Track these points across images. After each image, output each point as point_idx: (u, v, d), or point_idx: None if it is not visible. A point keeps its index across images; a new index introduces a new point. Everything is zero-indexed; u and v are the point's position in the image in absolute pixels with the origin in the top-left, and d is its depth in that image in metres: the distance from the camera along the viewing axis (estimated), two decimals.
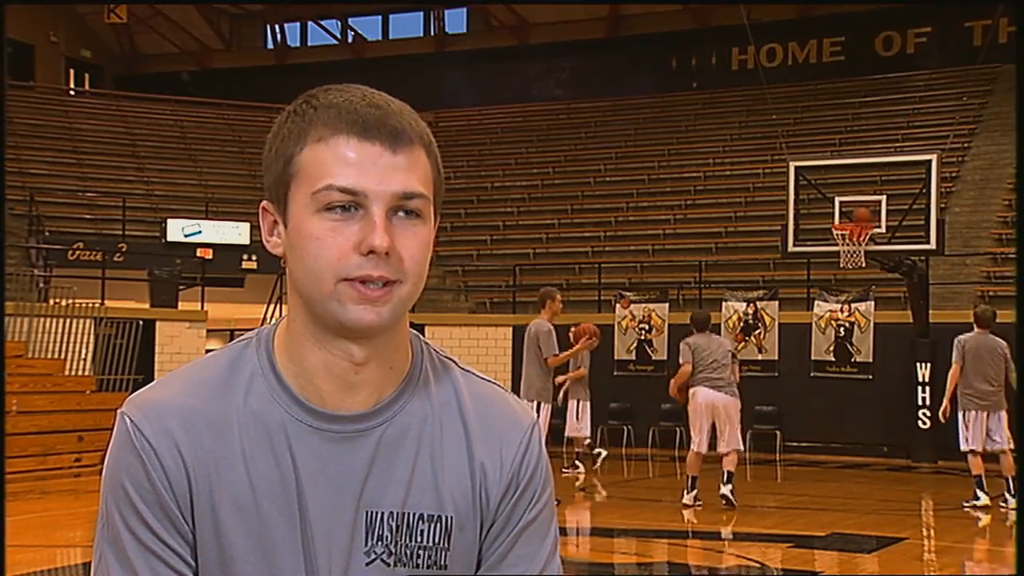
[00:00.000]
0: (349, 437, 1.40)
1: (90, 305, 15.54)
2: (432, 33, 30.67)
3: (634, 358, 17.89)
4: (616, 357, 17.76)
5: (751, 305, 17.30)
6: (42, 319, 14.89)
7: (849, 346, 16.61)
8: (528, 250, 21.92)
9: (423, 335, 1.50)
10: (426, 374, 1.46)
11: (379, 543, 1.40)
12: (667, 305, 17.98)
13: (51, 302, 15.60)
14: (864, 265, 14.66)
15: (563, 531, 10.01)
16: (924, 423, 15.55)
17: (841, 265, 14.74)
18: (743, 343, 16.84)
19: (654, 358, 17.70)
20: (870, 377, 16.39)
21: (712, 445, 11.21)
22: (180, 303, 17.55)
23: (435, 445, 1.43)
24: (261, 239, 1.43)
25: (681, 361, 11.22)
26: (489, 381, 1.51)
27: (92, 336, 15.24)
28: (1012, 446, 11.17)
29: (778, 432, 16.65)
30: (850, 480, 14.40)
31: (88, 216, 21.44)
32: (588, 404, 14.15)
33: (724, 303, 17.39)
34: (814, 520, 10.79)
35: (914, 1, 25.06)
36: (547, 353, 10.69)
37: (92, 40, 30.97)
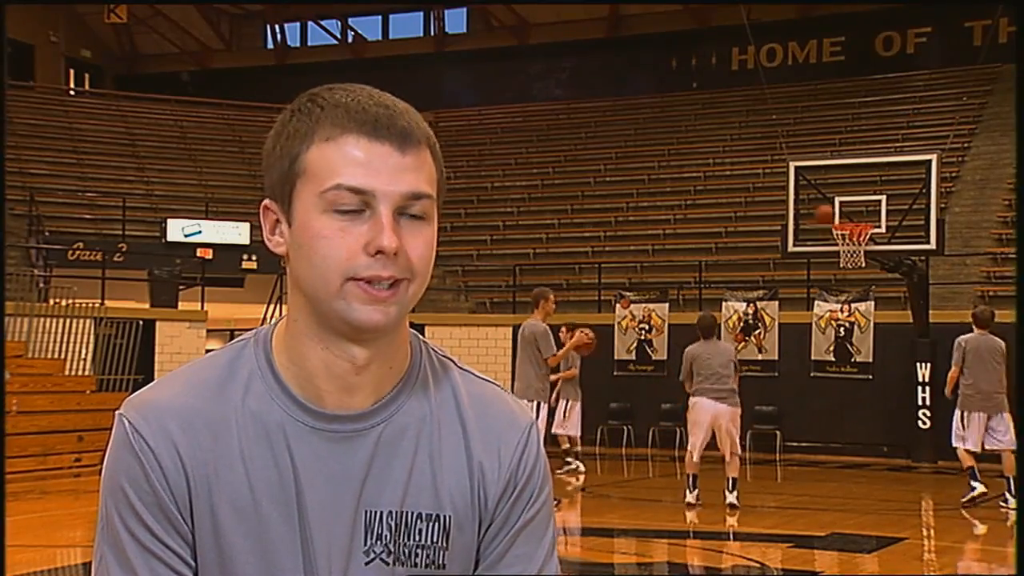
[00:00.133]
0: (348, 437, 1.40)
1: (90, 305, 15.54)
2: (432, 33, 30.67)
3: (634, 358, 17.89)
4: (616, 357, 17.76)
5: (751, 305, 17.30)
6: (42, 319, 14.89)
7: (849, 346, 16.61)
8: (528, 250, 21.92)
9: (423, 335, 1.50)
10: (424, 374, 1.46)
11: (378, 542, 1.40)
12: (667, 305, 17.98)
13: (51, 302, 15.60)
14: (864, 265, 14.67)
15: (563, 531, 10.02)
16: (924, 423, 15.55)
17: (841, 265, 14.75)
18: (743, 343, 16.85)
19: (654, 358, 17.70)
20: (870, 377, 16.39)
21: (711, 445, 11.24)
22: (180, 303, 17.55)
23: (434, 444, 1.43)
24: (261, 239, 1.43)
25: (681, 379, 11.25)
26: (488, 381, 1.51)
27: (92, 336, 15.24)
28: (1014, 447, 11.17)
29: (778, 432, 16.65)
30: (850, 480, 14.40)
31: (88, 216, 21.45)
32: (578, 405, 14.14)
33: (724, 303, 17.40)
34: (814, 520, 10.79)
35: (914, 1, 25.06)
36: (547, 353, 10.70)
37: (92, 40, 30.97)
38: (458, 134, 26.19)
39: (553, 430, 14.22)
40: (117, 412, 1.41)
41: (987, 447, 11.37)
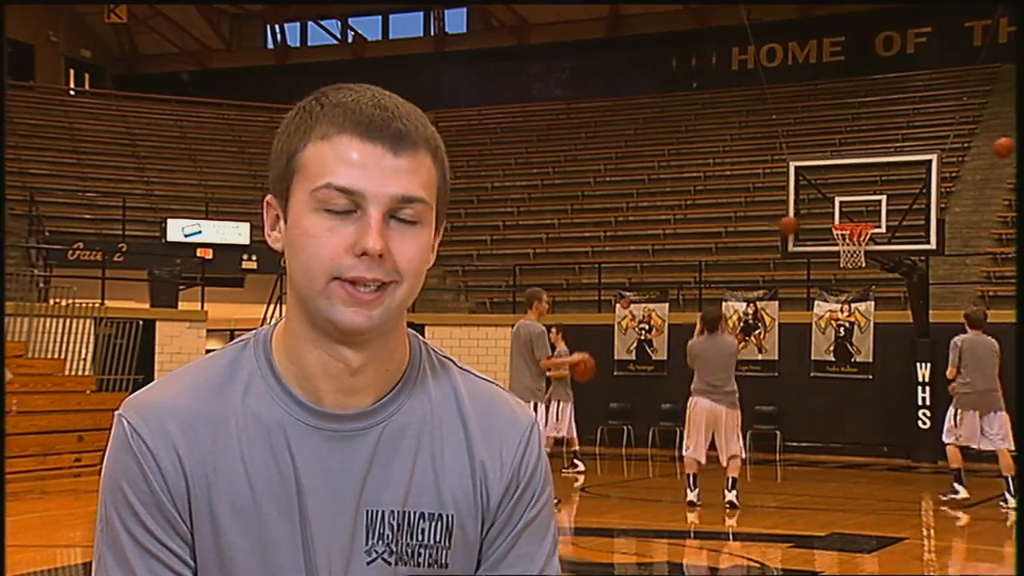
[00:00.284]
0: (348, 436, 1.39)
1: (90, 305, 15.54)
2: (432, 33, 30.67)
3: (634, 358, 17.89)
4: (616, 357, 17.76)
5: (751, 305, 17.30)
6: (42, 319, 14.89)
7: (849, 346, 16.61)
8: (528, 250, 21.92)
9: (423, 335, 1.49)
10: (424, 373, 1.46)
11: (380, 542, 1.39)
12: (667, 305, 17.98)
13: (51, 302, 15.60)
14: (864, 265, 14.67)
15: (563, 531, 10.02)
16: (924, 423, 15.55)
17: (841, 265, 14.75)
18: (743, 343, 16.84)
19: (654, 358, 17.70)
20: (870, 377, 16.39)
21: (710, 446, 11.21)
22: (180, 303, 17.55)
23: (435, 444, 1.43)
24: (261, 239, 1.43)
25: (689, 363, 11.22)
26: (488, 380, 1.51)
27: (92, 336, 15.24)
28: (1011, 446, 11.19)
29: (778, 432, 16.65)
30: (850, 480, 14.40)
31: (88, 216, 21.44)
32: (569, 406, 14.14)
33: (724, 303, 17.37)
34: (814, 520, 10.79)
35: (914, 1, 25.06)
36: (540, 354, 10.72)
37: (92, 40, 30.96)
38: (458, 134, 26.17)
39: (546, 433, 14.21)
40: (116, 413, 1.41)
41: (982, 448, 11.40)
